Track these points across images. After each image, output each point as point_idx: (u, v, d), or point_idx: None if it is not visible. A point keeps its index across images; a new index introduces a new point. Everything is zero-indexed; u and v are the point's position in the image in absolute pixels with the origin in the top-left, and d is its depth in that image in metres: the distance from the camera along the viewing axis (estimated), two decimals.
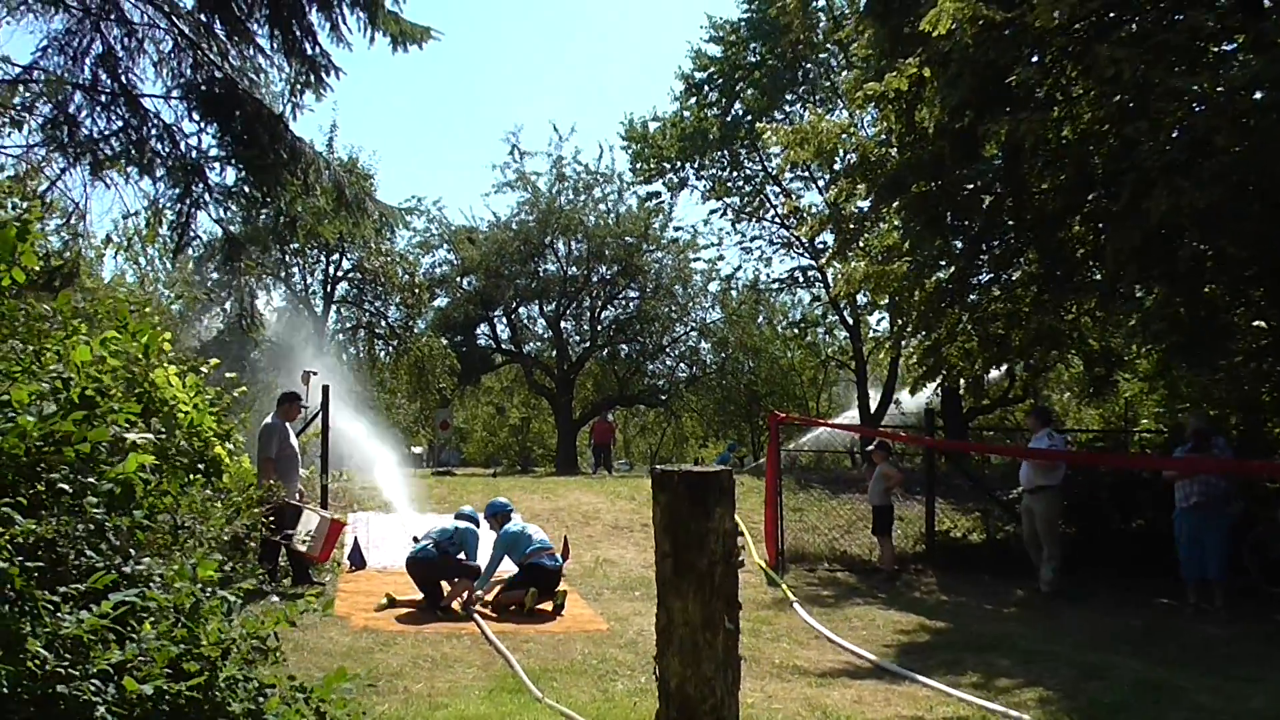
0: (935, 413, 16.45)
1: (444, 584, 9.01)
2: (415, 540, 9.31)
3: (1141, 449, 15.18)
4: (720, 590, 3.48)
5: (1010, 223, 11.60)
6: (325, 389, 11.89)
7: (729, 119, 24.86)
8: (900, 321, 13.52)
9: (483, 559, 9.18)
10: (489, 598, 8.93)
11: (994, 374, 15.11)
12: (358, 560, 10.67)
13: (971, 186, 11.24)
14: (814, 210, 22.00)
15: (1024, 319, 11.78)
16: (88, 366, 3.93)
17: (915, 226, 11.60)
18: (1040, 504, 10.64)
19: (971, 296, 12.09)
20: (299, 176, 10.65)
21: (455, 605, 8.73)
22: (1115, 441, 17.13)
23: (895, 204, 11.77)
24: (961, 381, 13.70)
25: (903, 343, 13.69)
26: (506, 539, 9.16)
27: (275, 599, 7.71)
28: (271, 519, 6.79)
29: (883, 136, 12.28)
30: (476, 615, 8.47)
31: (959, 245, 11.94)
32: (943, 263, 12.12)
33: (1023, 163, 10.58)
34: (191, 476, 5.23)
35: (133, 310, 5.44)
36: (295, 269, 28.29)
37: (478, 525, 9.27)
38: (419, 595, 8.97)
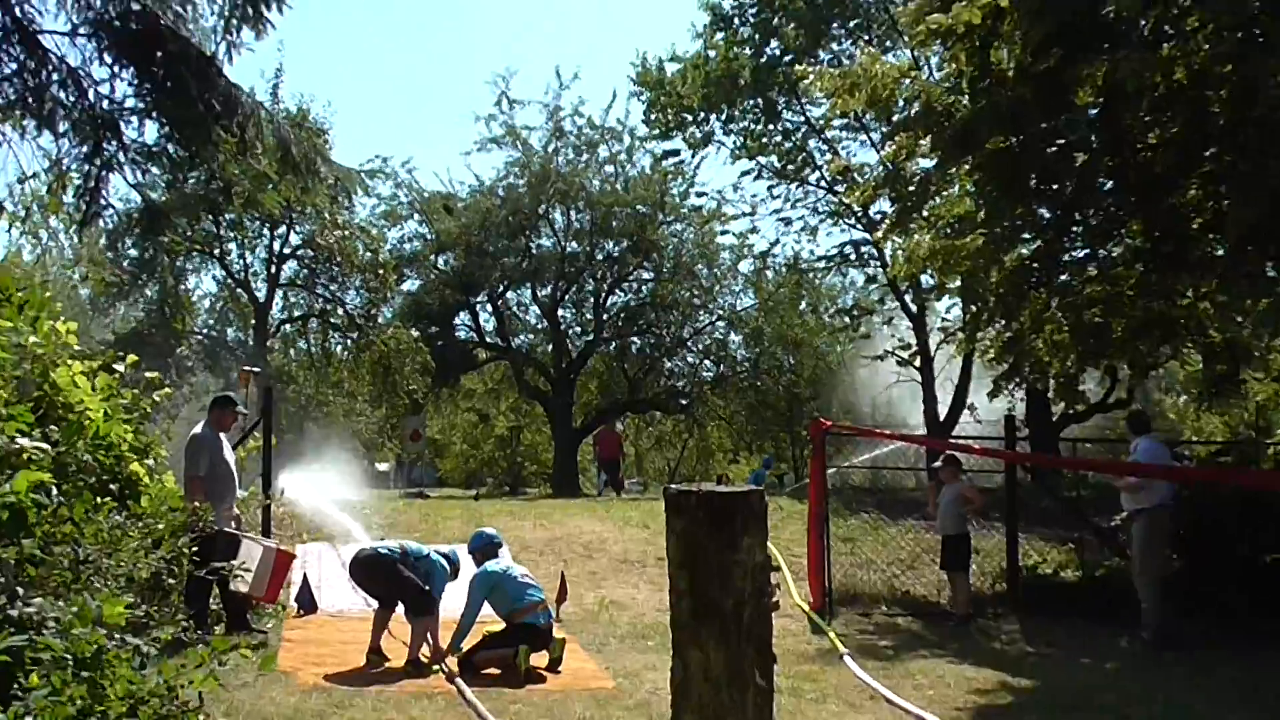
0: (1018, 420, 16.37)
1: (394, 613, 8.99)
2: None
3: (1277, 463, 15.09)
4: (749, 637, 3.47)
5: (1109, 186, 11.52)
6: (268, 391, 11.93)
7: (764, 60, 24.77)
8: (974, 308, 13.45)
9: (450, 603, 9.10)
10: (464, 647, 8.86)
11: (1088, 380, 15.01)
12: (306, 603, 10.68)
13: (1061, 142, 11.16)
14: (868, 171, 21.92)
15: (1127, 304, 11.70)
16: None
17: (991, 191, 11.54)
18: (1136, 531, 10.60)
19: (1061, 277, 12.02)
20: (234, 132, 10.65)
21: (423, 655, 8.71)
22: (1243, 455, 17.02)
23: (967, 163, 11.70)
24: (1050, 382, 13.62)
25: (978, 334, 13.61)
26: (487, 580, 8.97)
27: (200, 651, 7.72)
28: (197, 551, 6.78)
29: (951, 81, 12.21)
30: (449, 669, 8.45)
31: (1045, 214, 11.86)
32: (1026, 235, 12.05)
33: (1124, 112, 10.49)
34: (100, 499, 5.22)
35: (22, 290, 5.43)
36: (231, 245, 28.34)
37: (454, 571, 9.18)
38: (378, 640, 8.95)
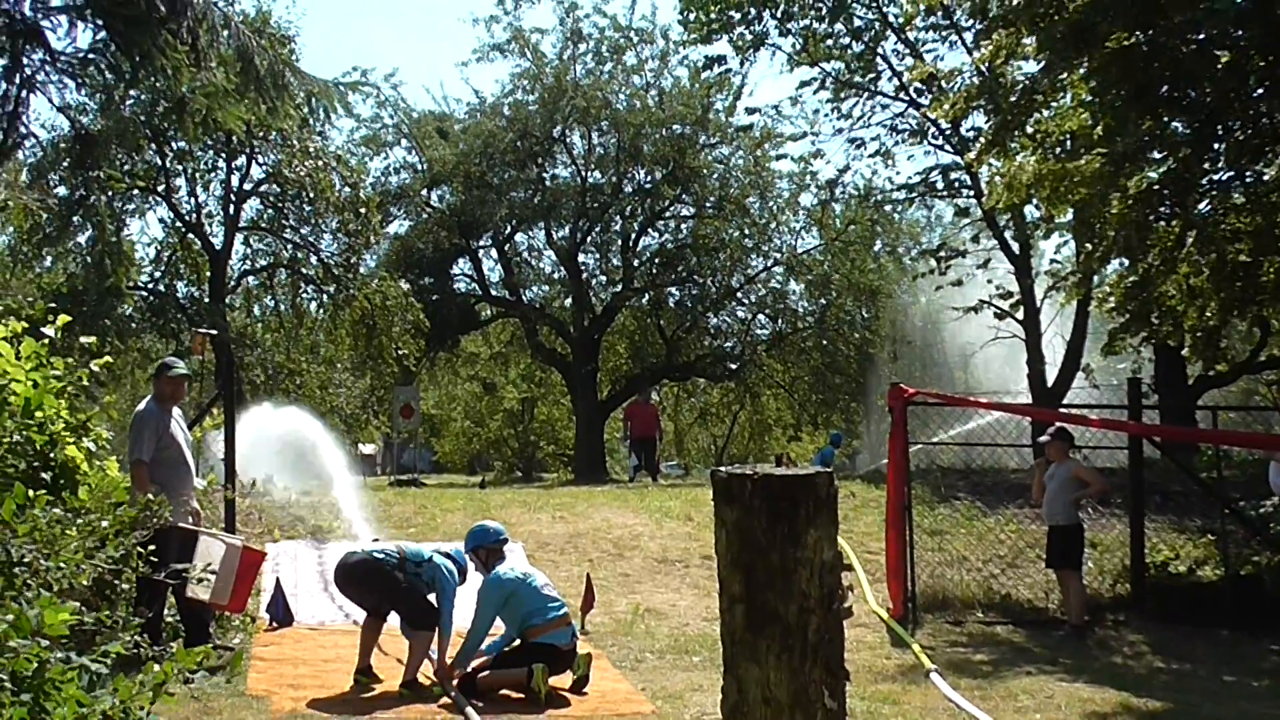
0: (1146, 385, 16.29)
1: (384, 625, 9.07)
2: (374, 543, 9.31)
3: None
4: (816, 652, 3.49)
5: (1260, 92, 11.39)
6: (229, 358, 12.01)
7: None
8: (1090, 246, 13.37)
9: (460, 616, 9.12)
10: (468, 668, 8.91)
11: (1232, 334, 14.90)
12: (280, 613, 10.79)
13: (1201, 38, 11.06)
14: (958, 79, 21.71)
15: None
16: None
17: (1113, 100, 11.45)
18: None
19: (1200, 206, 11.92)
20: (185, 39, 10.63)
21: (422, 677, 8.78)
22: None
23: (1082, 66, 11.61)
24: (1185, 336, 13.54)
25: (1094, 277, 13.53)
26: (501, 587, 8.93)
27: (159, 669, 7.80)
28: (152, 549, 6.83)
29: None
30: (455, 692, 8.51)
31: (1180, 128, 11.75)
32: (1156, 154, 11.95)
33: None
34: (32, 489, 5.29)
35: None
36: (180, 180, 28.45)
37: (462, 575, 9.18)
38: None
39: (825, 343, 32.97)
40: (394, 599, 8.89)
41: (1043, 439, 12.36)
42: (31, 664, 3.36)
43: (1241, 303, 12.37)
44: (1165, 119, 11.66)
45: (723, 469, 3.67)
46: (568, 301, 32.95)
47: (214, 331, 14.31)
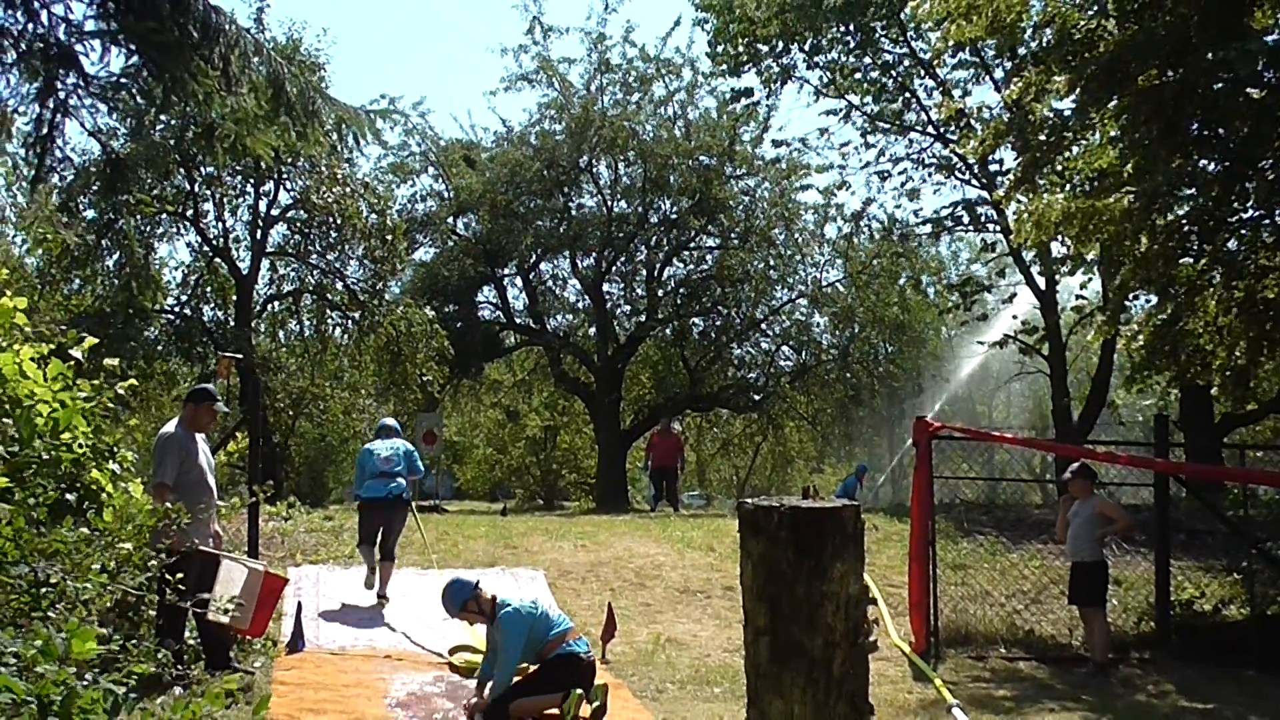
0: (1172, 422, 16.20)
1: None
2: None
3: None
4: (841, 686, 3.48)
5: None
6: (255, 384, 12.04)
7: None
8: (1118, 283, 13.35)
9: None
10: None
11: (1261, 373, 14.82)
12: (299, 639, 10.77)
13: (1230, 77, 11.04)
14: (987, 115, 21.72)
15: None
16: None
17: (1143, 139, 11.42)
18: None
19: (1229, 243, 11.87)
20: (217, 65, 10.66)
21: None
22: None
23: (1112, 105, 11.59)
24: (1215, 376, 13.47)
25: (1122, 315, 13.47)
26: (520, 622, 8.82)
27: (179, 691, 7.80)
28: (179, 572, 6.83)
29: (1094, 2, 12.10)
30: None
31: (1210, 166, 11.72)
32: (1185, 192, 11.92)
33: None
34: (49, 492, 5.29)
35: None
36: (208, 205, 28.56)
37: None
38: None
39: (849, 375, 32.86)
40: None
41: (1065, 476, 12.33)
42: (59, 690, 3.34)
43: (1271, 341, 12.31)
44: (1195, 157, 11.64)
45: (749, 501, 3.65)
46: (591, 331, 32.93)
47: (239, 355, 14.29)
